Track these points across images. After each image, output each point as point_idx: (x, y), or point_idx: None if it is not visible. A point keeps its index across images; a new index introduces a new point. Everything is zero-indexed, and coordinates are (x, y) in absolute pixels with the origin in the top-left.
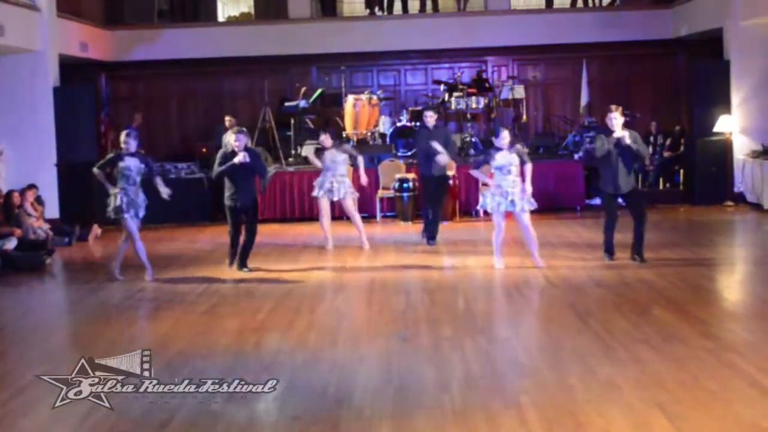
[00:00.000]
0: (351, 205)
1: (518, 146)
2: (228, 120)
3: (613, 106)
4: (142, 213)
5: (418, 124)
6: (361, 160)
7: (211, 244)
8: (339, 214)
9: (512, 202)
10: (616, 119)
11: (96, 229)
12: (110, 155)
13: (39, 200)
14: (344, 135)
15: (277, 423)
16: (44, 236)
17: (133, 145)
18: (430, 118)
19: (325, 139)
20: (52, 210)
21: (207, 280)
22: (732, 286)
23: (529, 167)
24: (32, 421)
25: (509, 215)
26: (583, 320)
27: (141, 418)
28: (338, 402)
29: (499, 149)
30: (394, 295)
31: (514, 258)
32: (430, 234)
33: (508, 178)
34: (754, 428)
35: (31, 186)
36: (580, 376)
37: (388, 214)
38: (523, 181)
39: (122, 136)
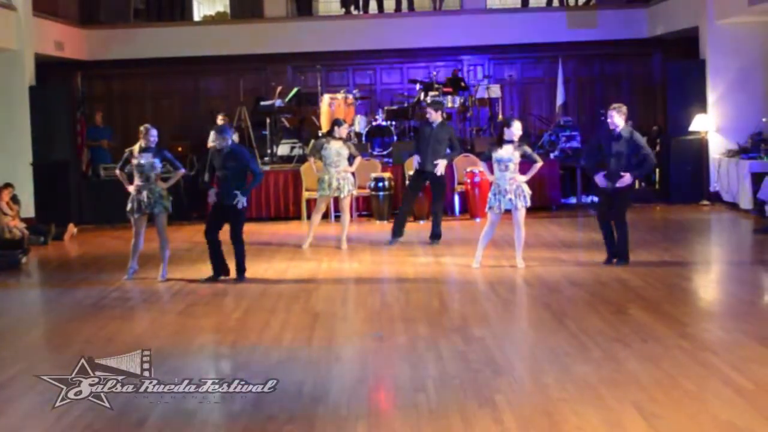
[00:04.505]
0: (348, 204)
1: (526, 146)
2: (221, 118)
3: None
4: (166, 204)
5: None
6: (358, 160)
7: (188, 243)
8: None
9: (510, 200)
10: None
11: (72, 229)
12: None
13: (15, 199)
14: (320, 134)
15: (252, 422)
16: (20, 235)
17: (147, 141)
18: (431, 115)
19: (341, 130)
20: (28, 209)
21: (183, 280)
22: (708, 285)
23: (537, 166)
24: (7, 420)
25: (506, 213)
26: (558, 319)
27: (116, 417)
28: (314, 401)
29: (506, 141)
30: (370, 295)
31: (489, 257)
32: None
33: (505, 175)
34: (730, 427)
35: (7, 185)
36: (556, 375)
37: (364, 213)
38: (523, 173)
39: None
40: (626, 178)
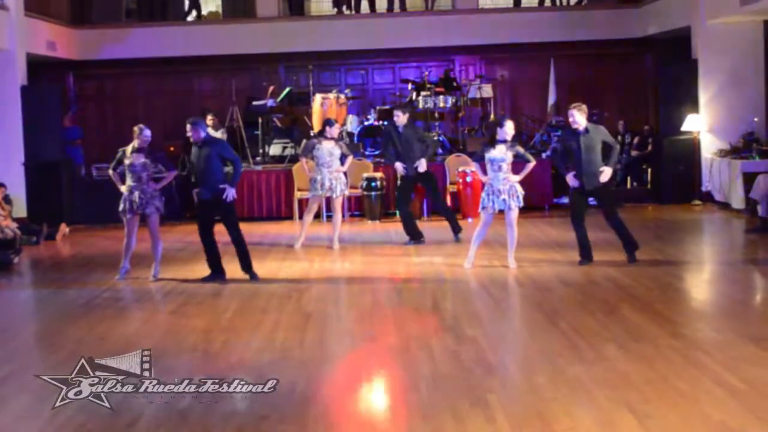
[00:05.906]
0: (340, 204)
1: (518, 146)
2: (210, 118)
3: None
4: (158, 204)
5: (386, 123)
6: (350, 159)
7: (180, 243)
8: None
9: (503, 200)
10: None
11: (64, 228)
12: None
13: (7, 199)
14: (312, 134)
15: (245, 422)
16: (12, 235)
17: (141, 141)
18: (399, 117)
19: (332, 130)
20: (20, 209)
21: (175, 280)
22: (700, 285)
23: (530, 165)
24: (0, 420)
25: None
26: (550, 319)
27: (109, 417)
28: (306, 401)
29: (499, 141)
30: (362, 295)
31: (482, 257)
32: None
33: (498, 175)
34: (722, 427)
35: None
36: (548, 375)
37: (356, 213)
38: (515, 173)
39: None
40: (606, 172)
